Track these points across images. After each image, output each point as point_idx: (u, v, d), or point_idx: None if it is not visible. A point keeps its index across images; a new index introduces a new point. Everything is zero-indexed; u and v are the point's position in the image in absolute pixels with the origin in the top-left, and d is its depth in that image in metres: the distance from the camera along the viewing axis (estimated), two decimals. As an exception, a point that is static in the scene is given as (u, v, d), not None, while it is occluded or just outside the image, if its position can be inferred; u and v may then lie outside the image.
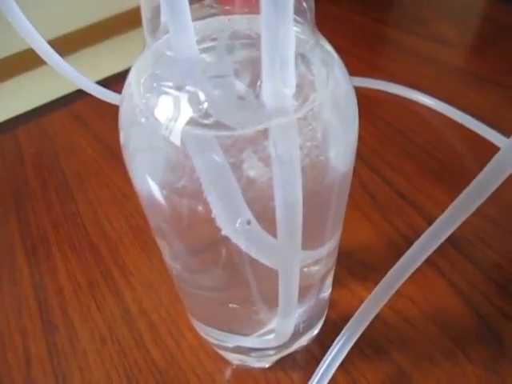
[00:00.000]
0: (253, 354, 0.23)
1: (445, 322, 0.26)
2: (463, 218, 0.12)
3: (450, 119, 0.38)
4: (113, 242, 0.31)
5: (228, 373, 0.24)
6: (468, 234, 0.29)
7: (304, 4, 0.12)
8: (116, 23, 1.76)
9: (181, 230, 0.15)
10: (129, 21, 1.74)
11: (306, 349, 0.25)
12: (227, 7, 0.14)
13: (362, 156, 0.35)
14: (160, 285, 0.29)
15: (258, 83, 0.12)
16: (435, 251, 0.13)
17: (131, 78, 0.14)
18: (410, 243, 0.14)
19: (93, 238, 0.32)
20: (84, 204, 0.34)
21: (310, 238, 0.16)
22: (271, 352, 0.23)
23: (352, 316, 0.17)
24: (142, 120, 0.13)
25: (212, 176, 0.13)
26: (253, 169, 0.12)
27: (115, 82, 0.32)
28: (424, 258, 0.14)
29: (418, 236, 0.13)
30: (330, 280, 0.22)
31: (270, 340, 0.21)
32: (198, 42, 0.14)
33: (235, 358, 0.24)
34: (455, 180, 0.33)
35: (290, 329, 0.20)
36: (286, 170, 0.12)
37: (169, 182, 0.13)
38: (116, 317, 0.27)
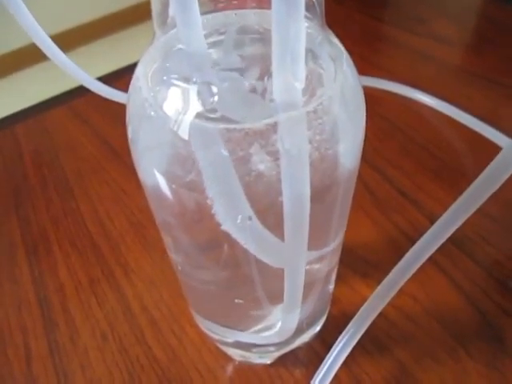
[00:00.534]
0: (254, 350, 0.23)
1: (446, 319, 0.26)
2: (465, 217, 0.12)
3: (449, 117, 0.38)
4: (113, 239, 0.31)
5: (230, 369, 0.24)
6: (469, 232, 0.30)
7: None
8: (113, 21, 1.76)
9: (187, 224, 0.15)
10: (127, 19, 1.73)
11: (308, 345, 0.25)
12: (235, 1, 0.14)
13: (363, 153, 0.35)
14: (161, 281, 0.28)
15: (266, 77, 0.12)
16: (437, 249, 0.13)
17: (139, 72, 0.14)
18: (410, 240, 0.14)
19: (93, 236, 0.32)
20: (84, 201, 0.34)
21: (317, 235, 0.16)
22: (272, 348, 0.23)
23: (354, 313, 0.17)
24: (152, 113, 0.13)
25: (216, 171, 0.13)
26: (261, 163, 0.12)
27: (114, 79, 0.32)
28: (427, 256, 0.14)
29: (419, 233, 0.13)
30: (333, 277, 0.22)
31: (273, 336, 0.21)
32: (206, 36, 0.14)
33: (237, 354, 0.24)
34: (455, 178, 0.33)
35: (293, 325, 0.20)
36: (294, 164, 0.12)
37: (177, 176, 0.13)
38: (117, 313, 0.27)
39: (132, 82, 0.14)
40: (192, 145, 0.12)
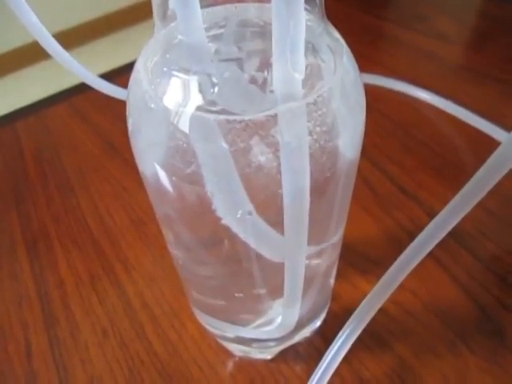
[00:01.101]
0: (254, 345, 0.23)
1: (446, 314, 0.26)
2: (465, 213, 0.12)
3: (450, 114, 0.38)
4: (114, 236, 0.31)
5: (230, 364, 0.24)
6: (468, 227, 0.30)
7: (314, -9, 0.12)
8: (115, 20, 1.76)
9: (188, 218, 0.15)
10: (127, 18, 1.73)
11: (308, 341, 0.25)
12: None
13: (363, 150, 0.35)
14: (161, 278, 0.29)
15: (266, 69, 0.12)
16: (436, 244, 0.13)
17: (139, 64, 0.14)
18: (411, 237, 0.14)
19: (94, 232, 0.32)
20: (84, 198, 0.34)
21: (317, 229, 0.16)
22: (272, 343, 0.23)
23: (354, 309, 0.17)
24: (152, 106, 0.13)
25: (216, 164, 0.13)
26: (261, 155, 0.12)
27: (115, 76, 0.32)
28: (426, 252, 0.14)
29: (419, 229, 0.13)
30: (333, 272, 0.22)
31: (273, 331, 0.21)
32: (206, 30, 0.14)
33: (237, 349, 0.24)
34: (455, 174, 0.33)
35: (294, 319, 0.20)
36: (294, 156, 0.12)
37: (178, 169, 0.13)
38: (118, 310, 0.27)
39: (132, 74, 0.14)
40: (192, 137, 0.12)
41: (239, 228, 0.14)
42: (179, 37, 0.11)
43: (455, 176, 0.33)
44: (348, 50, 0.14)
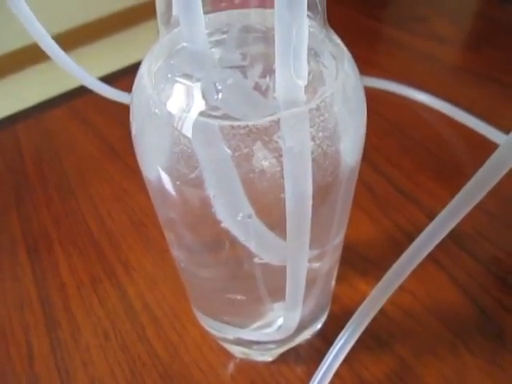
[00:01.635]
0: (255, 347, 0.24)
1: (446, 315, 0.26)
2: (464, 214, 0.12)
3: (447, 116, 0.39)
4: (115, 238, 0.31)
5: (231, 366, 0.25)
6: (468, 229, 0.30)
7: (316, -1, 0.12)
8: (114, 22, 1.76)
9: (190, 221, 0.15)
10: (127, 20, 1.73)
11: (309, 343, 0.25)
12: (237, 1, 0.14)
13: (363, 152, 0.36)
14: (162, 280, 0.29)
15: (269, 75, 0.13)
16: (436, 246, 0.13)
17: (143, 69, 0.14)
18: (410, 238, 0.14)
19: (94, 234, 0.32)
20: (85, 200, 0.34)
21: (318, 232, 0.16)
22: (273, 345, 0.23)
23: (354, 310, 0.18)
24: (156, 111, 0.13)
25: (218, 168, 0.13)
26: (264, 160, 0.12)
27: (115, 79, 0.32)
28: (426, 253, 0.14)
29: (418, 231, 0.13)
30: (334, 274, 0.22)
31: (274, 333, 0.21)
32: (209, 35, 0.14)
33: (238, 351, 0.24)
34: (453, 175, 0.33)
35: (295, 322, 0.20)
36: (297, 161, 0.12)
37: (181, 173, 0.13)
38: (119, 312, 0.27)
39: (136, 79, 0.14)
40: (194, 142, 0.12)
41: (239, 231, 0.15)
42: (184, 44, 0.12)
43: (453, 177, 0.33)
44: (349, 55, 0.14)
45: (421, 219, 0.31)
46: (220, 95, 0.12)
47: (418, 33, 0.49)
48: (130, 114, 0.14)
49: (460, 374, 0.24)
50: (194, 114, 0.12)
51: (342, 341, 0.19)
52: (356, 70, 0.14)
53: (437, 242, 0.14)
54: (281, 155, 0.12)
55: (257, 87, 0.13)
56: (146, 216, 0.33)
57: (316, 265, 0.18)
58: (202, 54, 0.12)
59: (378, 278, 0.16)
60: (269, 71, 0.12)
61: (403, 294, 0.27)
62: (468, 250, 0.29)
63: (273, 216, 0.14)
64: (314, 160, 0.12)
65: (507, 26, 0.50)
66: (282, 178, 0.12)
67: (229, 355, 0.25)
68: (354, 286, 0.27)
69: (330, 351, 0.19)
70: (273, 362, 0.24)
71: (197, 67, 0.12)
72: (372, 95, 0.43)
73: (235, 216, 0.14)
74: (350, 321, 0.18)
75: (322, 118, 0.12)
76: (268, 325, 0.21)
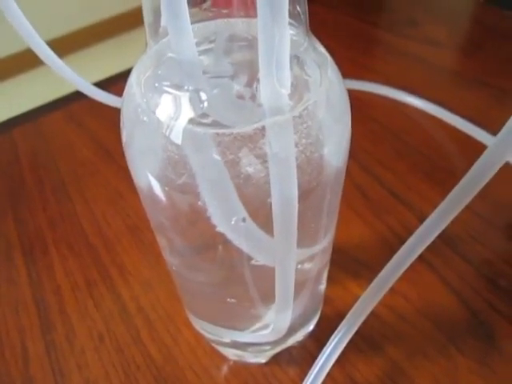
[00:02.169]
0: (249, 349, 0.24)
1: (438, 317, 0.26)
2: (454, 215, 0.13)
3: (440, 119, 0.39)
4: (110, 241, 0.32)
5: (225, 368, 0.25)
6: (460, 232, 0.30)
7: (298, 8, 0.12)
8: (112, 25, 1.76)
9: (181, 226, 0.16)
10: (125, 23, 1.73)
11: (302, 344, 0.25)
12: (225, 11, 0.14)
13: (355, 156, 0.36)
14: (157, 283, 0.29)
15: (255, 84, 0.13)
16: (428, 248, 0.14)
17: (133, 79, 0.14)
18: (402, 241, 0.14)
19: (90, 238, 0.32)
20: (80, 204, 0.35)
21: (306, 235, 0.16)
22: (267, 347, 0.24)
23: (346, 312, 0.18)
24: (144, 119, 0.13)
25: (209, 174, 0.13)
26: (250, 166, 0.13)
27: (111, 84, 0.32)
28: (417, 254, 0.15)
29: (410, 233, 0.14)
30: (324, 276, 0.22)
31: (266, 335, 0.22)
32: (197, 44, 0.14)
33: (232, 354, 0.25)
34: (446, 179, 0.34)
35: (286, 324, 0.20)
36: (282, 167, 0.12)
37: (170, 179, 0.13)
38: (114, 314, 0.27)
39: (126, 88, 0.14)
40: (185, 149, 0.13)
41: (233, 235, 0.15)
42: (170, 54, 0.12)
43: (445, 180, 0.34)
44: (333, 62, 0.14)
45: (413, 222, 0.31)
46: (208, 103, 0.13)
47: (412, 37, 0.50)
48: (121, 122, 0.14)
49: (451, 376, 0.24)
50: (181, 122, 0.12)
51: (334, 342, 0.19)
52: (339, 76, 0.14)
53: (428, 243, 0.14)
54: (266, 161, 0.12)
55: (244, 95, 0.13)
56: (141, 219, 0.33)
57: (305, 266, 0.19)
58: (191, 63, 0.12)
59: (370, 281, 0.16)
60: (255, 79, 0.13)
61: (395, 297, 0.27)
62: (460, 253, 0.29)
63: (261, 220, 0.14)
64: (298, 166, 0.12)
65: (500, 29, 0.50)
66: (269, 182, 0.13)
67: (222, 357, 0.25)
68: (346, 288, 0.28)
69: (322, 352, 0.19)
70: (266, 364, 0.25)
71: (185, 76, 0.13)
72: (365, 99, 0.44)
73: (229, 220, 0.14)
74: (342, 322, 0.18)
75: (305, 126, 0.12)
76: (265, 327, 0.22)
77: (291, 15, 0.12)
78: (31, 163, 0.39)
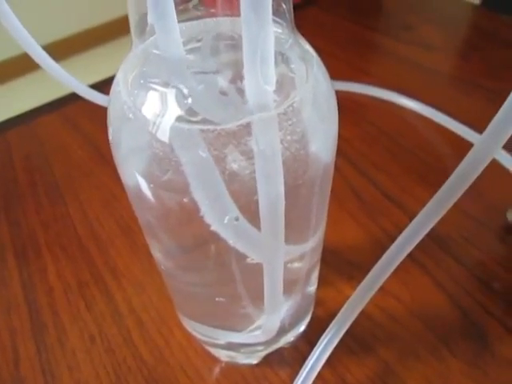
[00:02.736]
0: (242, 350, 0.24)
1: (430, 318, 0.26)
2: (442, 214, 0.13)
3: (434, 122, 0.39)
4: (103, 243, 0.32)
5: (216, 370, 0.25)
6: (453, 233, 0.30)
7: (283, 5, 0.12)
8: (113, 28, 1.77)
9: (168, 225, 0.16)
10: (123, 27, 1.74)
11: (293, 345, 0.25)
12: (212, 10, 0.14)
13: (349, 157, 0.36)
14: (150, 284, 0.29)
15: (240, 80, 0.13)
16: (420, 250, 0.14)
17: (119, 77, 0.14)
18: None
19: (83, 239, 0.32)
20: (74, 205, 0.35)
21: (294, 232, 0.16)
22: (260, 348, 0.23)
23: (338, 313, 0.18)
24: (130, 116, 0.13)
25: (199, 172, 0.13)
26: (236, 163, 0.13)
27: (107, 85, 0.32)
28: (406, 253, 0.15)
29: None
30: (315, 276, 0.22)
31: (258, 335, 0.22)
32: (184, 43, 0.14)
33: (224, 355, 0.25)
34: (439, 180, 0.33)
35: (276, 324, 0.20)
36: (268, 163, 0.12)
37: (156, 176, 0.13)
38: (105, 316, 0.27)
39: (112, 86, 0.14)
40: (174, 147, 0.13)
41: (226, 234, 0.15)
42: (155, 51, 0.12)
43: (439, 182, 0.33)
44: (319, 60, 0.14)
45: (406, 223, 0.30)
46: (193, 100, 0.13)
47: (407, 41, 0.50)
48: (107, 120, 0.14)
49: (443, 378, 0.24)
50: (167, 119, 0.13)
51: (324, 343, 0.19)
52: (326, 74, 0.14)
53: (416, 242, 0.14)
54: (252, 158, 0.12)
55: (229, 92, 0.13)
56: (134, 221, 0.33)
57: (295, 265, 0.19)
58: (176, 61, 0.12)
59: (363, 282, 0.16)
60: (241, 77, 0.13)
61: (388, 298, 0.27)
62: (452, 254, 0.29)
63: (247, 217, 0.14)
64: (283, 162, 0.12)
65: (494, 33, 0.51)
66: (254, 180, 0.13)
67: (214, 359, 0.25)
68: (338, 289, 0.28)
69: (312, 353, 0.19)
70: (257, 365, 0.25)
71: (171, 73, 0.13)
72: (361, 101, 0.44)
73: (221, 219, 0.14)
74: (332, 323, 0.18)
75: (290, 122, 0.13)
76: (257, 329, 0.22)
77: (276, 12, 0.12)
78: (25, 165, 0.39)
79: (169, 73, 0.12)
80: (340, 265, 0.29)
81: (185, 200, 0.13)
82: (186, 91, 0.12)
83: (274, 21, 0.11)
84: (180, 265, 0.19)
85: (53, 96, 0.46)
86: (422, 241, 0.14)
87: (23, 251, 0.32)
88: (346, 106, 0.41)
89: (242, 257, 0.16)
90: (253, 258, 0.16)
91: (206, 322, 0.23)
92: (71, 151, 0.40)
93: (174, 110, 0.13)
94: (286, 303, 0.20)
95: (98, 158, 0.38)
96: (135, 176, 0.14)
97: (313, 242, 0.18)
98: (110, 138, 0.14)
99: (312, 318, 0.25)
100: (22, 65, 1.44)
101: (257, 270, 0.16)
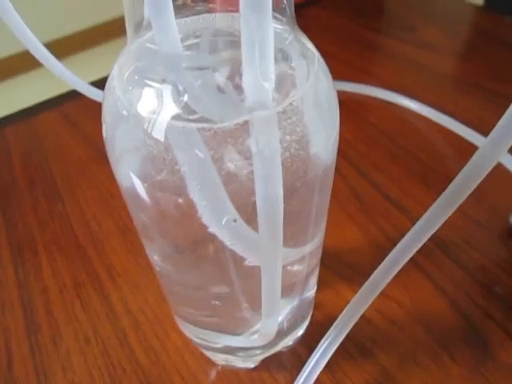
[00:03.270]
0: (239, 354, 0.23)
1: (431, 323, 0.26)
2: (445, 218, 0.12)
3: (435, 123, 0.39)
4: (100, 243, 0.31)
5: (213, 373, 0.24)
6: (454, 237, 0.30)
7: (284, 1, 0.12)
8: (115, 27, 1.77)
9: (163, 226, 0.15)
10: (120, 27, 1.74)
11: (291, 349, 0.25)
12: (212, 5, 0.14)
13: (349, 159, 0.36)
14: (146, 285, 0.28)
15: (239, 77, 0.13)
16: (422, 254, 0.13)
17: (114, 72, 0.14)
18: (395, 245, 0.14)
19: (79, 238, 0.32)
20: (71, 204, 0.34)
21: (293, 235, 0.16)
22: (257, 351, 0.23)
23: (337, 317, 0.17)
24: (124, 112, 0.13)
25: (195, 172, 0.13)
26: (233, 163, 0.12)
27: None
28: (407, 258, 0.14)
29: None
30: (313, 280, 0.22)
31: (255, 339, 0.21)
32: (182, 39, 0.14)
33: (221, 359, 0.24)
34: (440, 182, 0.33)
35: (274, 328, 0.20)
36: (267, 164, 0.12)
37: (150, 175, 0.13)
38: (101, 316, 0.27)
39: (107, 82, 0.14)
40: (168, 143, 0.12)
41: (224, 235, 0.14)
42: (152, 46, 0.12)
43: (440, 184, 0.33)
44: (320, 58, 0.14)
45: (407, 226, 0.30)
46: (190, 96, 0.12)
47: (409, 41, 0.50)
48: (102, 117, 0.14)
49: None
50: (163, 117, 0.12)
51: (323, 347, 0.19)
52: (328, 73, 0.14)
53: (419, 246, 0.14)
54: (250, 157, 0.12)
55: (227, 90, 0.13)
56: (131, 221, 0.32)
57: (294, 268, 0.18)
58: (173, 57, 0.12)
59: (362, 285, 0.16)
60: (239, 73, 0.12)
61: (388, 302, 0.27)
62: (454, 259, 0.29)
63: (244, 218, 0.14)
64: (283, 162, 0.12)
65: (496, 34, 0.50)
66: (252, 180, 0.12)
67: (210, 362, 0.25)
68: (338, 293, 0.27)
69: (311, 357, 0.19)
70: (254, 369, 0.24)
71: (168, 70, 0.12)
72: (362, 102, 0.44)
73: (219, 220, 0.14)
74: (332, 327, 0.18)
75: (289, 122, 0.12)
76: (255, 332, 0.21)
77: (277, 9, 0.12)
78: (23, 163, 0.38)
79: (165, 69, 0.12)
80: (339, 267, 0.29)
81: (180, 200, 0.13)
82: (183, 89, 0.12)
83: (274, 16, 0.11)
84: (175, 267, 0.18)
85: (51, 93, 0.46)
86: (424, 244, 0.13)
87: (19, 250, 0.31)
88: (348, 106, 0.41)
89: (239, 259, 0.16)
90: (250, 260, 0.16)
91: (202, 325, 0.22)
92: (69, 149, 0.39)
93: (170, 108, 0.12)
94: (284, 307, 0.20)
95: (96, 156, 0.38)
96: (129, 175, 0.14)
97: (312, 245, 0.18)
98: (104, 135, 0.14)
99: (311, 322, 0.25)
100: (20, 62, 1.44)
101: (254, 272, 0.16)
